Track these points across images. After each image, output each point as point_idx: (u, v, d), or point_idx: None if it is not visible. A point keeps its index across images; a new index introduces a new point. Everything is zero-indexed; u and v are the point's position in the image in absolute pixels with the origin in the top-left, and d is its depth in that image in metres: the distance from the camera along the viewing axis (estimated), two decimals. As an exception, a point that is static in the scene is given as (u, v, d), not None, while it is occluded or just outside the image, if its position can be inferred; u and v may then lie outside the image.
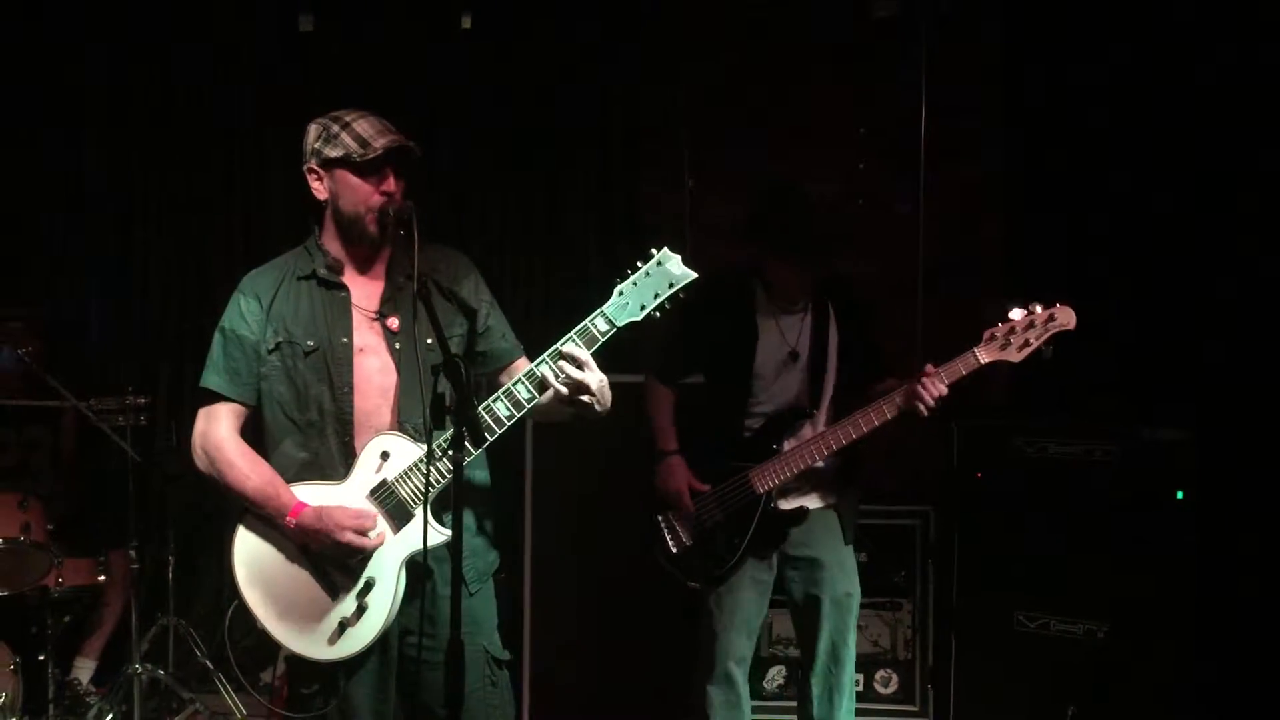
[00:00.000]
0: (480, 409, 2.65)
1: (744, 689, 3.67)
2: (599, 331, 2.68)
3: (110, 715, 4.44)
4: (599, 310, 2.69)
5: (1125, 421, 4.06)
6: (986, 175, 5.19)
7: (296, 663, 2.77)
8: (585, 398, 2.66)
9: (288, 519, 2.69)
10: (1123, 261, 4.48)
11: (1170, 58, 4.36)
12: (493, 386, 2.81)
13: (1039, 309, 3.33)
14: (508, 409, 2.69)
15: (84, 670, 4.82)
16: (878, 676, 4.43)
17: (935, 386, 3.33)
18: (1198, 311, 4.26)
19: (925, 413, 3.34)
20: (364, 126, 2.73)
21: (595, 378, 2.66)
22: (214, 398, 2.81)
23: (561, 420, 2.84)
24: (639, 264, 2.71)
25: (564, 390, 2.65)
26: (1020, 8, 5.12)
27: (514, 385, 2.69)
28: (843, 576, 3.64)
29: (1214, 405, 4.09)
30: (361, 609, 2.70)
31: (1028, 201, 5.04)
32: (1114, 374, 4.41)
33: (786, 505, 3.58)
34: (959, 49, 5.13)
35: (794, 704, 3.93)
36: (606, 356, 2.73)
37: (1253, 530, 4.03)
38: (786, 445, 3.55)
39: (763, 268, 3.63)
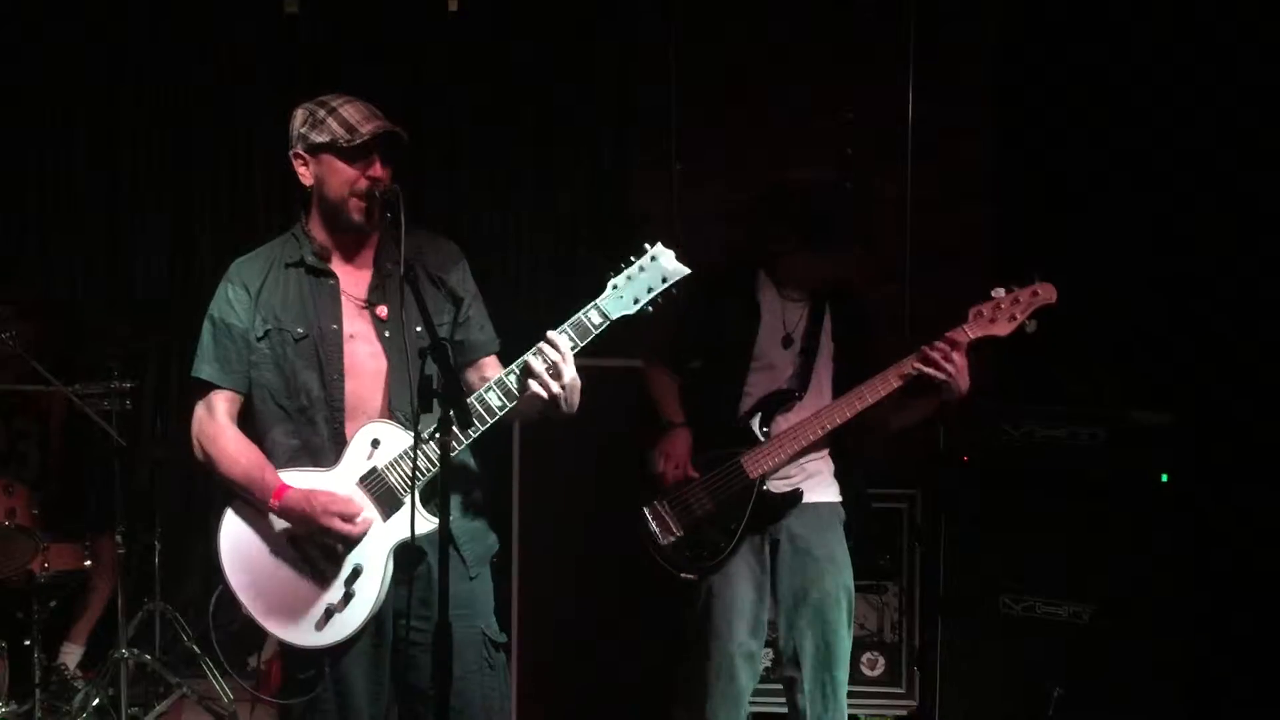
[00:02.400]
0: (472, 399, 2.65)
1: (746, 685, 3.53)
2: (592, 324, 2.67)
3: (97, 700, 4.44)
4: (592, 303, 2.68)
5: (1111, 405, 4.08)
6: (978, 162, 5.18)
7: (291, 646, 2.76)
8: (556, 389, 2.63)
9: (271, 501, 2.69)
10: (1111, 247, 4.50)
11: (1165, 46, 4.37)
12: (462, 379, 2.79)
13: (1017, 287, 3.33)
14: (499, 399, 2.68)
15: (70, 655, 4.81)
16: (864, 659, 4.45)
17: (952, 348, 3.27)
18: (1185, 296, 4.28)
19: (944, 375, 3.26)
20: (350, 111, 2.72)
21: (568, 371, 2.65)
22: (206, 387, 2.81)
23: (530, 420, 2.82)
24: (632, 258, 2.70)
25: (545, 376, 2.62)
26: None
27: (505, 376, 2.68)
28: (833, 570, 3.54)
29: (1200, 389, 4.11)
30: (349, 596, 2.70)
31: (1018, 189, 5.04)
32: (1101, 358, 4.43)
33: (780, 488, 3.53)
34: (951, 36, 5.13)
35: (779, 686, 3.90)
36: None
37: (1238, 513, 4.05)
38: (777, 428, 3.51)
39: (773, 256, 3.59)
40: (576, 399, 2.70)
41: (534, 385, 2.63)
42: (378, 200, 2.69)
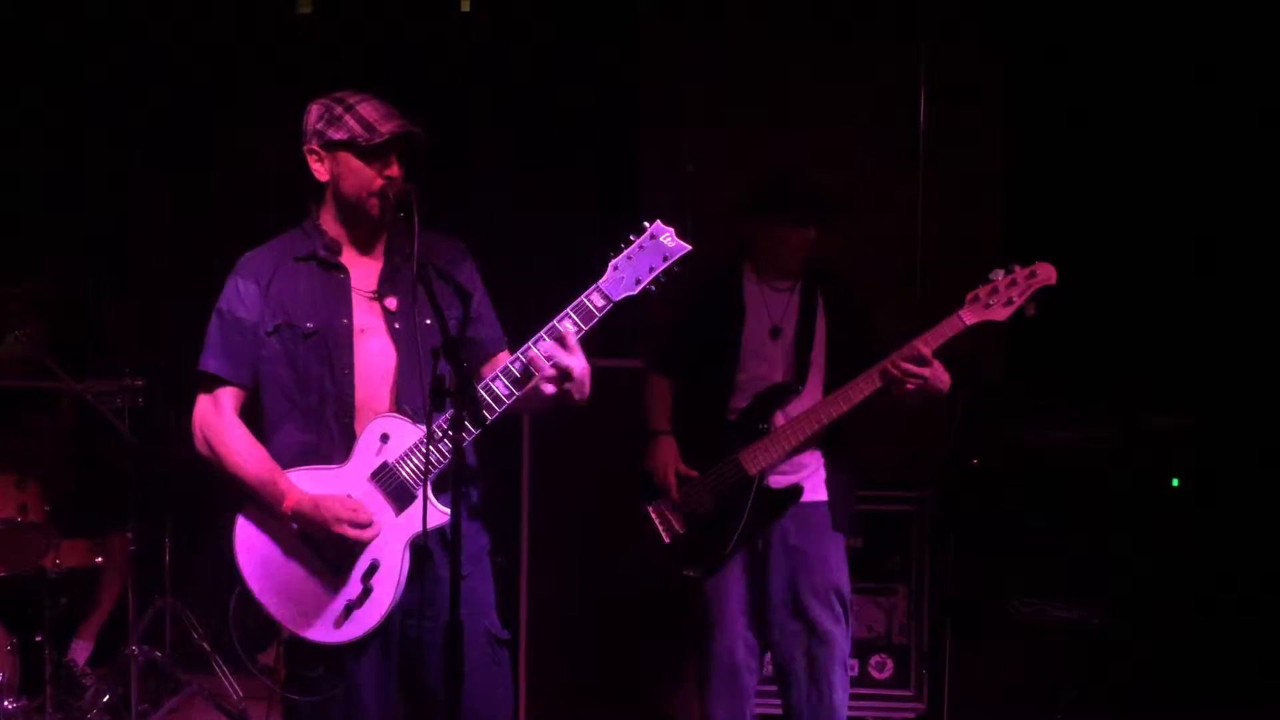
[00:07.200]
0: (480, 388, 2.64)
1: (748, 681, 3.55)
2: (595, 307, 2.64)
3: (107, 696, 4.45)
4: (594, 286, 2.65)
5: (1122, 409, 4.08)
6: (986, 165, 5.18)
7: (298, 645, 2.75)
8: (565, 385, 2.62)
9: (284, 506, 2.68)
10: (1122, 249, 4.49)
11: (1175, 48, 4.37)
12: (474, 376, 2.77)
13: (1018, 267, 3.26)
14: (506, 387, 2.66)
15: (81, 651, 4.81)
16: (872, 662, 4.44)
17: (909, 361, 3.23)
18: (1198, 299, 4.28)
19: (904, 385, 3.24)
20: (369, 110, 2.70)
21: (579, 363, 2.63)
22: (213, 381, 2.78)
23: (543, 411, 2.81)
24: (632, 237, 2.67)
25: (550, 372, 2.61)
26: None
27: (511, 364, 2.67)
28: (823, 569, 3.52)
29: (1212, 394, 4.11)
30: (367, 591, 2.68)
31: (1028, 191, 5.04)
32: (1113, 360, 4.43)
33: (780, 483, 3.51)
34: (960, 38, 5.13)
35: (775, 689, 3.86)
36: (602, 339, 2.71)
37: (1248, 517, 4.05)
38: (775, 423, 3.49)
39: (754, 242, 3.59)
40: (588, 386, 2.67)
41: (539, 379, 2.60)
42: (391, 200, 2.68)
